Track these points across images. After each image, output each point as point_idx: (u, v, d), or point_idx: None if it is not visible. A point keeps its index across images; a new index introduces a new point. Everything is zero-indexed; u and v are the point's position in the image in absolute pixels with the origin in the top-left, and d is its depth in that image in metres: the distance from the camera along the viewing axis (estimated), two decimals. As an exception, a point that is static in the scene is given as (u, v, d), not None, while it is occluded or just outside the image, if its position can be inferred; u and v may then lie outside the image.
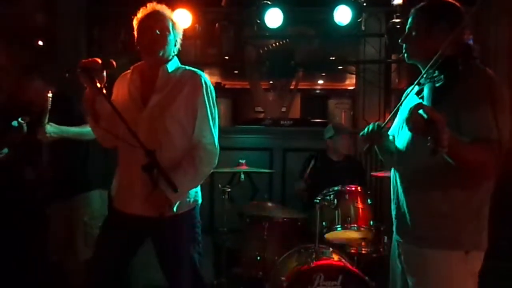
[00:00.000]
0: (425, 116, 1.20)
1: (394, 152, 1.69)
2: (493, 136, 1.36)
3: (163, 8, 1.90)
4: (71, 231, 2.60)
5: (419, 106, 1.24)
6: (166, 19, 1.87)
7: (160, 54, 1.86)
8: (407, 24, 1.63)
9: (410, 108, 1.26)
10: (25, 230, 2.73)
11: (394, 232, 1.69)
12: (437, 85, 1.44)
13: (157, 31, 1.82)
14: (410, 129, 1.28)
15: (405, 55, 1.62)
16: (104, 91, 1.71)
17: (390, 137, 1.79)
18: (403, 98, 1.66)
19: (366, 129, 1.70)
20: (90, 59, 1.70)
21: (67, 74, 1.68)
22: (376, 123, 1.71)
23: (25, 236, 2.74)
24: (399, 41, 1.64)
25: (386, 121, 1.72)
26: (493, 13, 3.64)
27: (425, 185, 1.52)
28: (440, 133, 1.18)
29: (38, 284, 2.75)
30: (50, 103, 2.37)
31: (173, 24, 1.90)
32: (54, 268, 2.64)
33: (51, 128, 2.39)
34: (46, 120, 2.37)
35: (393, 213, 1.68)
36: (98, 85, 1.69)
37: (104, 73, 1.73)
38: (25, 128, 2.40)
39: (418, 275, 1.54)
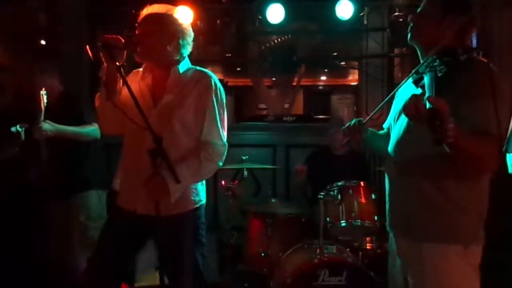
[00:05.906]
0: (429, 105, 1.16)
1: (383, 147, 1.67)
2: (494, 129, 1.33)
3: (162, 10, 1.82)
4: (68, 230, 2.61)
5: (421, 95, 1.20)
6: (164, 23, 1.80)
7: (162, 59, 1.82)
8: (421, 5, 1.59)
9: (411, 97, 1.22)
10: (25, 229, 2.75)
11: (388, 226, 1.66)
12: (439, 74, 1.41)
13: (153, 38, 1.77)
14: (410, 118, 1.24)
15: (409, 34, 1.59)
16: (122, 71, 1.67)
17: (385, 129, 1.80)
18: (398, 86, 1.64)
19: (347, 125, 1.76)
20: (113, 35, 1.66)
21: (90, 50, 1.64)
22: (358, 118, 1.76)
23: (25, 235, 2.75)
24: (408, 19, 1.62)
25: (369, 117, 1.74)
26: (497, 4, 3.61)
27: (420, 176, 1.48)
28: (445, 123, 1.14)
29: (38, 282, 2.77)
30: (45, 101, 2.37)
31: (178, 24, 1.83)
32: (52, 266, 2.65)
33: (47, 126, 2.39)
34: (42, 118, 2.37)
35: (387, 205, 1.66)
36: (117, 63, 1.65)
37: (125, 53, 1.70)
38: (23, 135, 2.41)
39: (415, 270, 1.51)
